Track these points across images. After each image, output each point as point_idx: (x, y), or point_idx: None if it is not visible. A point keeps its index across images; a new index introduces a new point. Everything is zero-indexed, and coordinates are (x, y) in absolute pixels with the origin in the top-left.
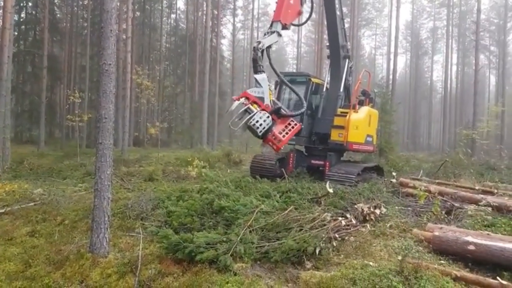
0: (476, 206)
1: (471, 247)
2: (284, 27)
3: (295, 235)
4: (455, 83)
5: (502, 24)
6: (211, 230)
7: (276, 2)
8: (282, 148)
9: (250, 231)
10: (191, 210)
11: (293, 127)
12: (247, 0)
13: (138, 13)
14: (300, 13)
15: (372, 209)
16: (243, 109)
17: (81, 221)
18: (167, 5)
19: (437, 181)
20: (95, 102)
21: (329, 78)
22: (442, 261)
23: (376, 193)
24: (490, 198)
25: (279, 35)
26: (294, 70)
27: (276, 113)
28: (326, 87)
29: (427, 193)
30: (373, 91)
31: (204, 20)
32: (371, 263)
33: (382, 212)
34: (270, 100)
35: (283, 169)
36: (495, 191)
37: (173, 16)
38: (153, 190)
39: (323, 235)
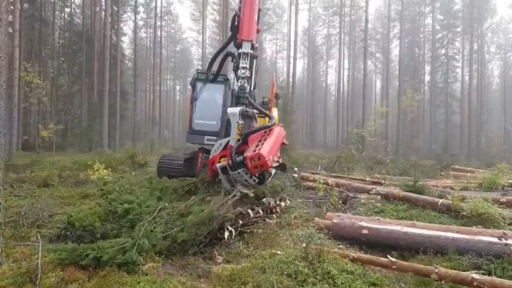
0: (368, 195)
1: (365, 231)
2: (252, 47)
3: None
4: (347, 86)
5: (386, 33)
6: (116, 235)
7: (239, 21)
8: (271, 163)
9: (154, 227)
10: (93, 215)
11: (265, 138)
12: None
13: (26, 5)
14: (258, 31)
15: (278, 202)
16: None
17: None
18: None
19: (333, 174)
20: None
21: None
22: (341, 245)
23: (281, 187)
24: (379, 188)
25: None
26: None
27: (244, 141)
28: (234, 88)
29: (325, 186)
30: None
31: (103, 15)
32: (278, 252)
33: (287, 205)
34: (235, 139)
35: (191, 169)
36: (383, 181)
37: (67, 10)
38: (49, 197)
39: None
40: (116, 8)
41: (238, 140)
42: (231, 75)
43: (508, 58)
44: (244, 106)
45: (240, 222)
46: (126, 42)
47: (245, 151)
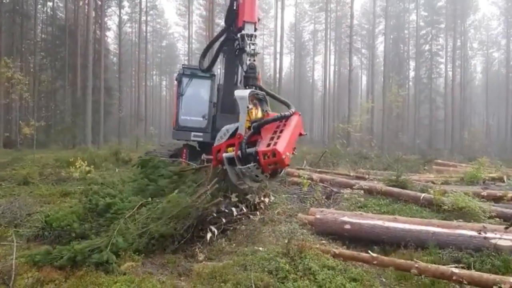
0: (351, 190)
1: (347, 226)
2: (255, 30)
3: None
4: (333, 82)
5: (371, 29)
6: (96, 233)
7: (239, 5)
8: (288, 160)
9: (134, 223)
10: (72, 214)
11: (282, 130)
12: None
13: None
14: (258, 19)
15: (262, 198)
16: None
17: None
18: None
19: (318, 170)
20: None
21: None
22: (323, 241)
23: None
24: (362, 183)
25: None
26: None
27: (255, 131)
28: (221, 83)
29: (310, 181)
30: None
31: (86, 10)
32: (260, 249)
33: (271, 200)
34: (245, 127)
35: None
36: (367, 176)
37: (49, 4)
38: (28, 195)
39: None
40: (100, 2)
41: (249, 127)
42: (218, 70)
43: (490, 54)
44: (254, 87)
45: (224, 220)
46: (111, 37)
47: (258, 143)
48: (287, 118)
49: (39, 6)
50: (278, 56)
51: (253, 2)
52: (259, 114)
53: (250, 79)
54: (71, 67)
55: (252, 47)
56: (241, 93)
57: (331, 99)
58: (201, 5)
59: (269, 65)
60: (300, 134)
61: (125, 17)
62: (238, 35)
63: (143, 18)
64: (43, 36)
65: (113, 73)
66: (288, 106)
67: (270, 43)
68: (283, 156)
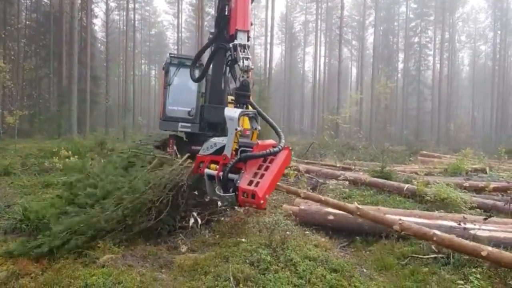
0: (336, 181)
1: (331, 217)
2: (248, 39)
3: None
4: (323, 73)
5: (361, 20)
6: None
7: (230, 10)
8: (265, 204)
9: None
10: (52, 207)
11: (267, 167)
12: None
13: None
14: (251, 24)
15: None
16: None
17: None
18: None
19: (305, 160)
20: None
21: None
22: (307, 231)
23: None
24: (347, 174)
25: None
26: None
27: (243, 160)
28: (209, 74)
29: (296, 172)
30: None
31: None
32: (243, 240)
33: None
34: (232, 149)
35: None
36: (353, 167)
37: None
38: (8, 186)
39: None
40: None
41: (235, 151)
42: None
43: (478, 47)
44: (244, 106)
45: (207, 213)
46: (98, 25)
47: (241, 174)
48: (276, 153)
49: None
50: (268, 46)
51: (246, 8)
52: (246, 123)
53: (241, 97)
54: (56, 55)
55: (246, 62)
56: (232, 114)
57: (321, 91)
58: None
59: (260, 56)
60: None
61: (113, 4)
62: (230, 45)
63: (131, 5)
64: (27, 23)
65: (100, 61)
66: (278, 135)
67: (261, 33)
68: (261, 201)
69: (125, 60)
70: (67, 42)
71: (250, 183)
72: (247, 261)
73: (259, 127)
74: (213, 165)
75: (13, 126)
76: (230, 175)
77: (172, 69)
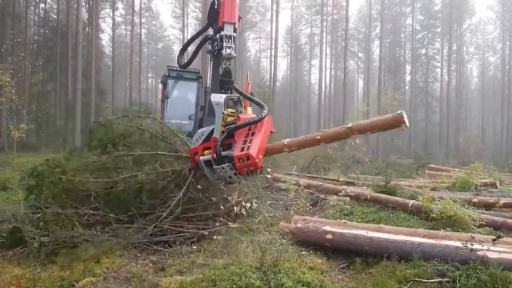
0: (337, 197)
1: (329, 236)
2: (235, 30)
3: None
4: (329, 86)
5: (368, 32)
6: None
7: (219, 4)
8: (261, 163)
9: None
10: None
11: (253, 133)
12: None
13: None
14: (240, 18)
15: (244, 203)
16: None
17: None
18: None
19: (307, 175)
20: None
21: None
22: (304, 252)
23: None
24: (350, 189)
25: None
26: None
27: (229, 134)
28: (208, 86)
29: (296, 187)
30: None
31: (77, 11)
32: (234, 262)
33: (253, 207)
34: (220, 131)
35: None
36: (357, 182)
37: (42, 5)
38: (4, 201)
39: None
40: (92, 3)
41: (223, 132)
42: (209, 73)
43: (486, 59)
44: (229, 91)
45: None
46: (105, 40)
47: (232, 146)
48: (257, 122)
49: (31, 7)
50: (273, 59)
51: (233, 2)
52: (249, 111)
53: (225, 83)
54: (62, 69)
55: (228, 51)
56: (217, 99)
57: (327, 102)
58: (196, 8)
59: (266, 68)
60: (271, 132)
61: (120, 19)
62: (217, 36)
63: (137, 20)
64: (35, 38)
65: (107, 75)
66: (261, 107)
67: (267, 46)
68: (257, 160)
69: (130, 74)
70: (73, 56)
71: (242, 149)
72: (235, 285)
73: (243, 110)
74: (206, 151)
75: (19, 140)
76: (224, 152)
77: (170, 82)
